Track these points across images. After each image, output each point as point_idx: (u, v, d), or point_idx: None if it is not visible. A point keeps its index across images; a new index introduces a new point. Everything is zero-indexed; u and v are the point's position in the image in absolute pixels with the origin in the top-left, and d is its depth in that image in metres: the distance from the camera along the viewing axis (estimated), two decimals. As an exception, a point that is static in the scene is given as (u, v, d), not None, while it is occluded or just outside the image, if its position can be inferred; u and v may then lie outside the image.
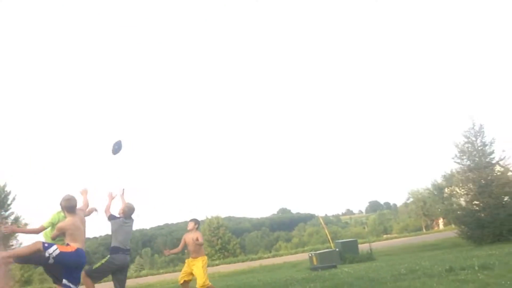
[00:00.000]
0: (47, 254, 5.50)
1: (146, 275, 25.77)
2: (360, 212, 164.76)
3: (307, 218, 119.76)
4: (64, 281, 5.68)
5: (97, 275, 6.85)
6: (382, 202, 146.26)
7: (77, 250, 5.73)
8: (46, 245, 5.59)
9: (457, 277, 7.14)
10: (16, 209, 48.00)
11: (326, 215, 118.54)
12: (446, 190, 36.93)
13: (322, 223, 22.23)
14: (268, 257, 28.21)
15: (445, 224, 50.97)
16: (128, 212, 7.15)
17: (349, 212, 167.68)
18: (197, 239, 7.78)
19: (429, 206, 55.69)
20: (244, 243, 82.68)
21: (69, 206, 5.91)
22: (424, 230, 54.51)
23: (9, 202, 37.90)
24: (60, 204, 5.93)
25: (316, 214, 73.84)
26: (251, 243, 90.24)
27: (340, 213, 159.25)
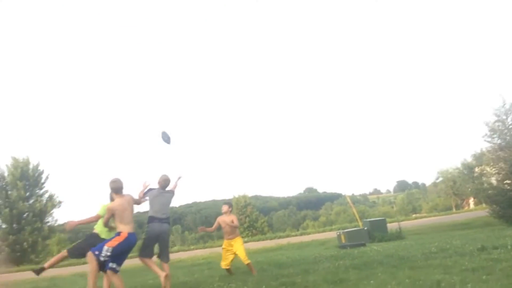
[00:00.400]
0: (102, 259, 5.96)
1: (177, 251, 26.36)
2: (388, 191, 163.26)
3: (334, 197, 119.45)
4: (112, 264, 6.06)
5: (146, 252, 7.04)
6: (410, 182, 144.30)
7: (128, 237, 6.08)
8: (96, 252, 6.00)
9: (489, 256, 7.06)
10: (49, 187, 49.75)
11: (353, 194, 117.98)
12: (476, 169, 36.17)
13: (350, 202, 22.14)
14: (296, 235, 28.38)
15: (475, 204, 50.04)
16: (163, 183, 7.31)
17: (376, 191, 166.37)
18: (232, 221, 8.25)
19: (459, 185, 54.65)
20: (271, 221, 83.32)
21: (116, 188, 6.26)
22: (454, 209, 53.65)
23: (42, 181, 39.09)
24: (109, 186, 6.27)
25: (343, 193, 73.46)
26: (278, 221, 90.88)
27: (368, 193, 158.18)
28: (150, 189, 7.22)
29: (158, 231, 7.07)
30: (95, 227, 6.96)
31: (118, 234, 6.11)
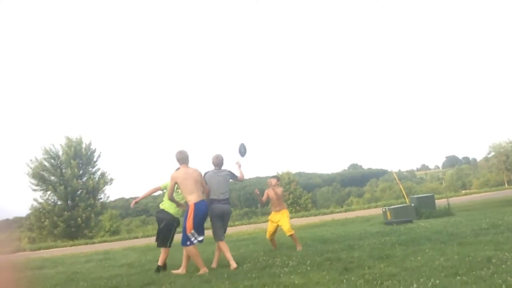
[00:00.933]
0: (196, 242, 6.48)
1: (223, 227, 26.93)
2: (437, 167, 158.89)
3: (379, 174, 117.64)
4: (199, 238, 6.50)
5: (217, 235, 7.15)
6: (460, 157, 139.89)
7: (195, 208, 6.37)
8: (188, 243, 6.46)
9: (545, 232, 6.77)
10: (102, 165, 51.72)
11: (399, 170, 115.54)
12: (532, 142, 34.50)
13: (396, 178, 21.68)
14: (340, 212, 28.21)
15: (530, 179, 47.91)
16: (216, 162, 7.39)
17: (424, 167, 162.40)
18: (277, 193, 8.44)
19: (512, 160, 52.41)
20: (315, 198, 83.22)
21: (181, 158, 6.59)
22: (506, 185, 51.54)
23: (95, 159, 40.57)
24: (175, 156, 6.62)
25: (389, 170, 72.05)
26: (322, 198, 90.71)
27: (415, 169, 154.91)
28: (206, 172, 7.31)
29: (220, 211, 7.13)
30: (161, 205, 7.30)
31: (187, 210, 6.44)
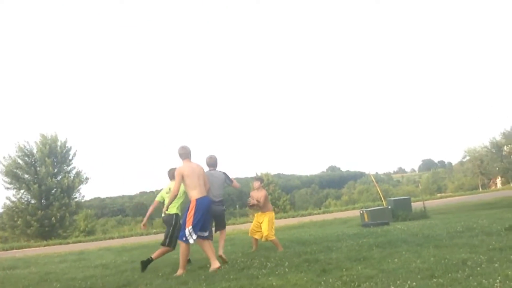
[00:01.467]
0: (192, 241, 6.35)
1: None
2: (413, 170, 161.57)
3: (357, 176, 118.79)
4: (200, 234, 6.44)
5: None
6: (436, 161, 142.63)
7: (196, 203, 6.35)
8: (184, 239, 6.36)
9: (518, 235, 6.90)
10: (77, 164, 50.81)
11: (377, 173, 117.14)
12: (505, 148, 35.37)
13: (374, 180, 21.94)
14: (318, 214, 28.39)
15: (503, 183, 49.07)
16: (210, 162, 7.45)
17: (401, 170, 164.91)
18: (260, 197, 8.42)
19: (486, 164, 53.53)
20: (293, 199, 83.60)
21: (183, 153, 6.59)
22: (480, 189, 52.71)
23: (70, 157, 39.86)
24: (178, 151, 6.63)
25: (367, 172, 72.91)
26: (301, 199, 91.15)
27: (392, 172, 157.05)
28: None
29: (213, 213, 7.14)
30: (167, 211, 7.21)
31: (188, 206, 6.42)
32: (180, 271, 6.42)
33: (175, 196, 6.64)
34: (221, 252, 7.30)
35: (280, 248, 8.28)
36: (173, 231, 7.17)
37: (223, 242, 7.53)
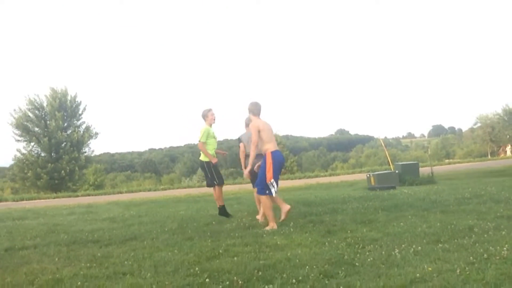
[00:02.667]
0: (274, 193, 6.39)
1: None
2: (422, 136, 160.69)
3: (365, 140, 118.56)
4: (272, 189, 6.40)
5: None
6: (446, 127, 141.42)
7: (273, 156, 6.37)
8: (267, 191, 6.35)
9: (527, 204, 6.82)
10: (87, 118, 51.01)
11: (385, 137, 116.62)
12: (518, 115, 34.85)
13: (383, 144, 21.77)
14: (325, 176, 28.40)
15: (512, 151, 48.70)
16: (247, 122, 7.57)
17: (410, 135, 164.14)
18: None
19: (497, 132, 53.08)
20: (301, 161, 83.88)
21: (255, 109, 6.67)
22: (489, 156, 52.40)
23: (80, 112, 39.96)
24: (248, 107, 6.72)
25: (376, 136, 72.61)
26: (308, 161, 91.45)
27: (401, 136, 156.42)
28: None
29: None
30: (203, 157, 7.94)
31: (264, 159, 6.41)
32: (271, 224, 6.30)
33: (256, 147, 6.61)
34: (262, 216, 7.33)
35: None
36: (215, 170, 7.80)
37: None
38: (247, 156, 7.39)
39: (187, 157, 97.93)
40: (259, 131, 6.43)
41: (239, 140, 7.76)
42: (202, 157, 7.93)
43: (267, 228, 6.23)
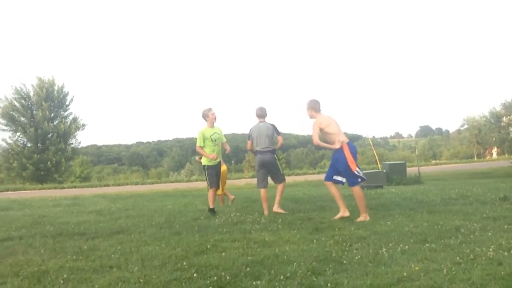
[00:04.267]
0: (361, 181, 6.45)
1: (196, 180, 26.95)
2: (410, 136, 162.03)
3: (354, 139, 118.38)
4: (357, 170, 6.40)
5: (259, 183, 7.68)
6: (434, 128, 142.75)
7: (349, 146, 6.43)
8: (359, 180, 6.44)
9: (512, 206, 6.90)
10: (74, 109, 50.61)
11: (373, 137, 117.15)
12: (504, 119, 35.24)
13: (371, 143, 21.90)
14: (313, 174, 28.52)
15: (498, 154, 49.30)
16: (259, 113, 7.61)
17: (398, 135, 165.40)
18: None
19: (483, 134, 53.54)
20: (289, 158, 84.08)
21: (316, 107, 6.66)
22: (475, 158, 53.04)
23: (67, 103, 39.53)
24: (308, 105, 6.67)
25: (364, 135, 72.85)
26: (296, 159, 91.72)
27: (389, 136, 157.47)
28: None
29: (260, 161, 7.49)
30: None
31: (341, 152, 6.35)
32: (364, 215, 6.26)
33: (317, 141, 6.64)
34: (276, 208, 7.41)
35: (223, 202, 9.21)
36: (209, 174, 7.82)
37: (279, 197, 7.62)
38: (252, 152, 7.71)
39: (175, 151, 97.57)
40: (324, 127, 6.45)
41: (249, 135, 7.72)
42: (202, 160, 7.98)
43: (360, 219, 6.21)
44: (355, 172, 6.35)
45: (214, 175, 7.78)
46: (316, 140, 6.59)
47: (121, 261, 4.26)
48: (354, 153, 6.46)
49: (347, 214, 6.56)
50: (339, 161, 6.46)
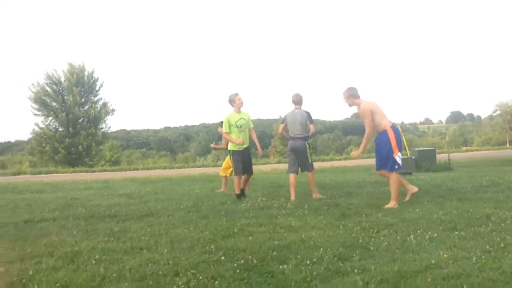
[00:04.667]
0: (398, 168, 6.39)
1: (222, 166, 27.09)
2: (440, 122, 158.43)
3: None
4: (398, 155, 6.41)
5: (289, 168, 7.79)
6: (465, 113, 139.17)
7: (393, 130, 6.45)
8: (396, 166, 6.37)
9: (546, 194, 6.71)
10: (104, 95, 51.46)
11: (402, 122, 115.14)
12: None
13: (400, 129, 21.51)
14: (340, 160, 28.26)
15: (532, 141, 47.83)
16: (295, 100, 7.74)
17: (427, 121, 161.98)
18: None
19: (517, 120, 52.04)
20: (315, 144, 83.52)
21: (357, 93, 6.62)
22: (508, 144, 51.50)
23: (97, 88, 40.22)
24: (346, 93, 6.60)
25: (392, 121, 71.74)
26: (323, 145, 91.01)
27: (418, 122, 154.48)
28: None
29: (291, 147, 7.65)
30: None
31: (385, 135, 6.38)
32: (394, 203, 6.25)
33: (369, 135, 6.58)
34: (316, 195, 7.58)
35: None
36: (235, 160, 7.82)
37: (313, 186, 7.78)
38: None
39: (202, 136, 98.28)
40: (374, 110, 6.42)
41: (283, 120, 7.86)
42: (229, 146, 8.01)
43: (388, 206, 6.20)
44: (395, 157, 6.31)
45: (239, 160, 7.72)
46: (369, 127, 6.42)
47: (151, 243, 4.37)
48: (398, 137, 6.44)
49: (415, 189, 6.62)
50: (381, 145, 6.44)
